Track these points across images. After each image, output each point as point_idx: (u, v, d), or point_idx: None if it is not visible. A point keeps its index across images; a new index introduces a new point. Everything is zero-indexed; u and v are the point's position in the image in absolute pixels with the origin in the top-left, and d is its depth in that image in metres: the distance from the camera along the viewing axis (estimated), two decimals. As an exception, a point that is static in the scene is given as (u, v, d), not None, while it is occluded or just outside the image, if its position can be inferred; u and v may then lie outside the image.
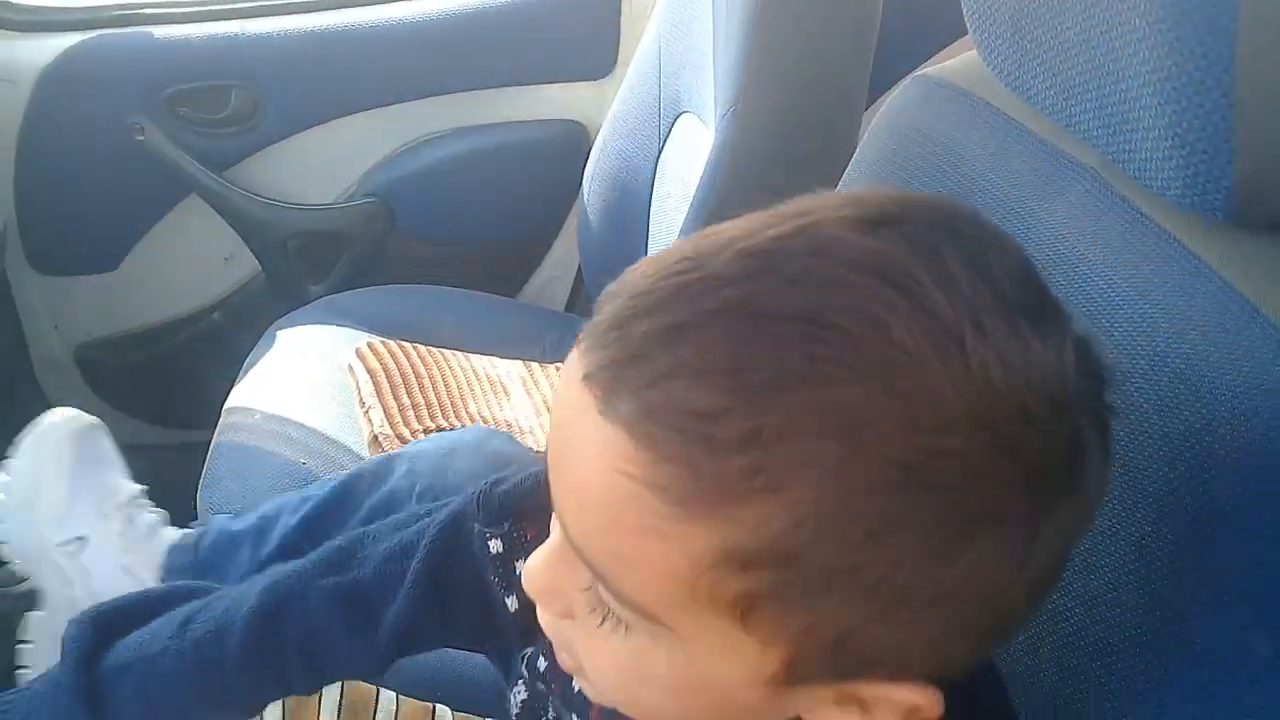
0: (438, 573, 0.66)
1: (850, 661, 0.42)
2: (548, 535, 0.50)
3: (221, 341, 1.75)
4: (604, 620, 0.45)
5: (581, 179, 1.66)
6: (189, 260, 1.77)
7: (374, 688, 0.98)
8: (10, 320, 1.71)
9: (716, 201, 1.12)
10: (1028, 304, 0.40)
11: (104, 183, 1.67)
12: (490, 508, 0.64)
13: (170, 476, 1.44)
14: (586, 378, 0.41)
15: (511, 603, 0.64)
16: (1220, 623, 0.47)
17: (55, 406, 1.77)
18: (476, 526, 0.65)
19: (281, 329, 1.58)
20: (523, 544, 0.64)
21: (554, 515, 0.46)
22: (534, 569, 0.48)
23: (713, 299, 0.39)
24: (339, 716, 0.96)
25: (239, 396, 1.44)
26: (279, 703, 0.98)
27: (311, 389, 1.44)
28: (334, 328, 1.57)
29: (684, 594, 0.41)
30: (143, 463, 1.77)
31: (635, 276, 0.42)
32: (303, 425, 1.38)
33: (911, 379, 0.38)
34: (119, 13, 1.60)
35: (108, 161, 1.65)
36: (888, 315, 0.38)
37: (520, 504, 0.64)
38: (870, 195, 0.43)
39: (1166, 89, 0.49)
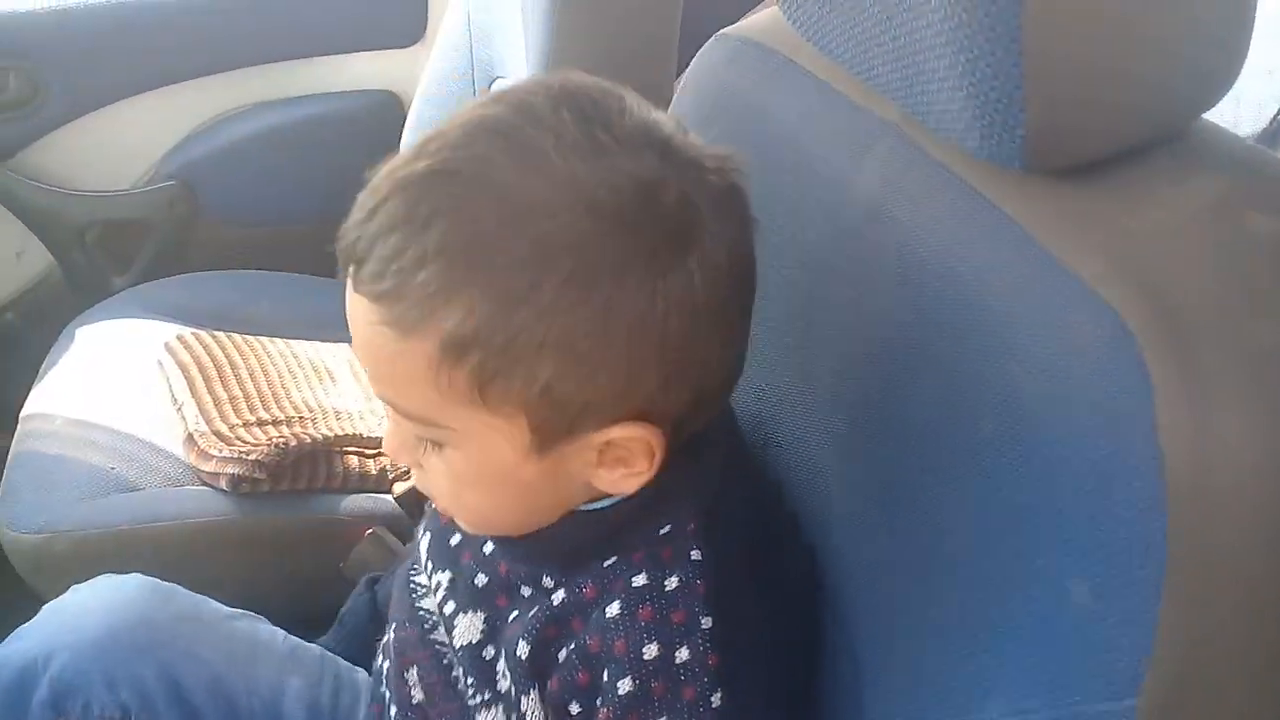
0: None
1: (569, 413, 0.56)
2: None
3: (17, 343, 1.62)
4: (425, 449, 0.61)
5: (399, 150, 1.61)
6: (-28, 258, 1.64)
7: None
8: None
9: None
10: (606, 120, 0.54)
11: None
12: None
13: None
14: (342, 265, 0.56)
15: None
16: (1042, 567, 0.47)
17: None
18: None
19: (82, 326, 1.48)
20: None
21: None
22: (384, 440, 0.64)
23: (389, 184, 0.54)
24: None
25: (37, 402, 1.35)
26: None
27: (118, 388, 1.35)
28: (139, 320, 1.48)
29: (438, 395, 0.55)
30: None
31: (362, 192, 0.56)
32: (110, 429, 1.29)
33: (516, 190, 0.53)
34: None
35: None
36: (492, 153, 0.53)
37: None
38: (511, 86, 0.59)
39: (958, 37, 0.49)
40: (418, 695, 0.74)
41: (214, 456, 1.23)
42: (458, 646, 0.70)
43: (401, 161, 0.55)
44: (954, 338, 0.53)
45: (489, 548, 0.70)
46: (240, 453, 1.22)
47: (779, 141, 0.69)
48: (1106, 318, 0.45)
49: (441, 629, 0.74)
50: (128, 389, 1.35)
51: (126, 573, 1.19)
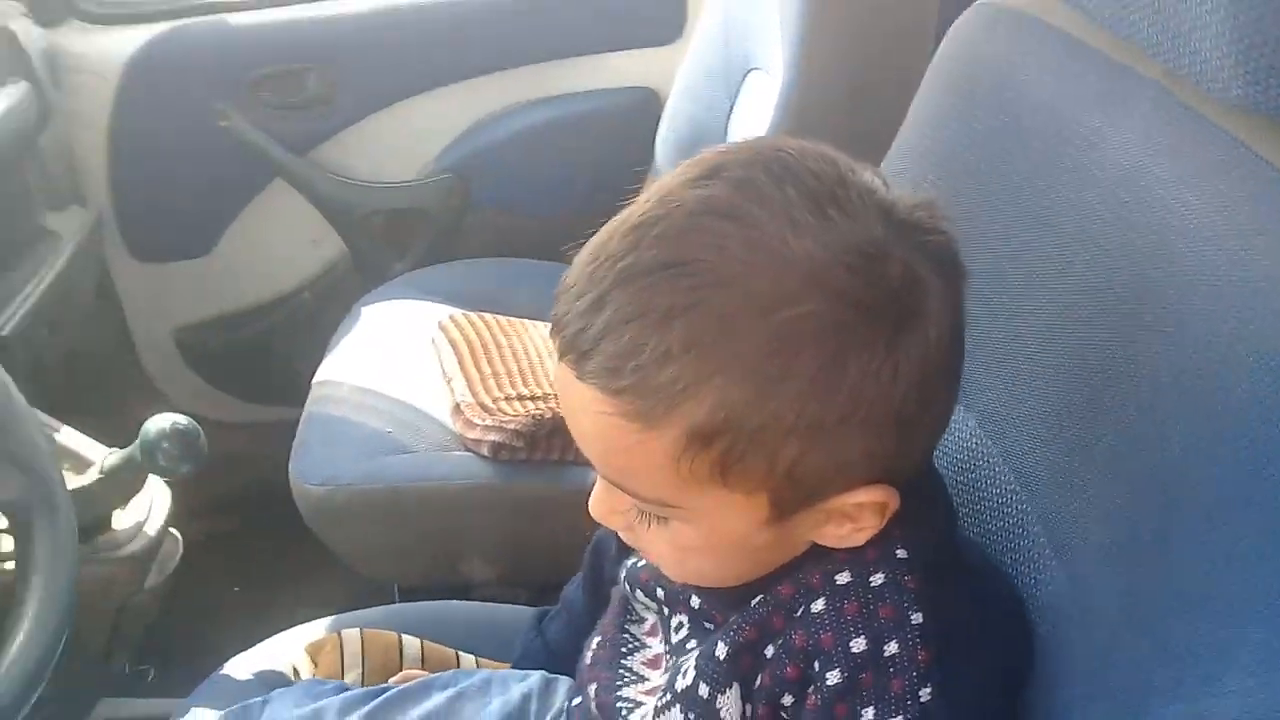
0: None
1: (811, 486, 0.56)
2: None
3: (311, 320, 1.79)
4: (646, 521, 0.60)
5: (654, 145, 1.66)
6: (278, 243, 1.81)
7: (395, 634, 1.01)
8: (113, 305, 1.77)
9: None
10: (831, 193, 0.53)
11: (193, 169, 1.73)
12: None
13: (263, 450, 1.49)
14: (561, 355, 0.56)
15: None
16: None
17: (158, 387, 1.86)
18: None
19: (366, 305, 1.62)
20: None
21: None
22: (592, 503, 0.63)
23: (614, 275, 0.53)
24: (364, 660, 0.98)
25: (327, 371, 1.48)
26: (300, 645, 1.01)
27: (396, 361, 1.47)
28: (417, 302, 1.60)
29: (677, 479, 0.55)
30: (239, 437, 1.84)
31: (568, 274, 0.56)
32: (388, 396, 1.41)
33: (756, 279, 0.52)
34: (198, 1, 1.65)
35: (195, 148, 1.70)
36: (725, 240, 0.52)
37: None
38: (703, 154, 0.57)
39: (1226, -15, 0.47)
40: None
41: (477, 425, 1.32)
42: (680, 689, 0.68)
43: (618, 248, 0.54)
44: (1212, 297, 0.51)
45: (695, 600, 0.70)
46: (501, 423, 1.30)
47: (1034, 107, 0.68)
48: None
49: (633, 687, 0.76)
50: (405, 362, 1.47)
51: (395, 526, 1.30)
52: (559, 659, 0.92)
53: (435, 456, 1.33)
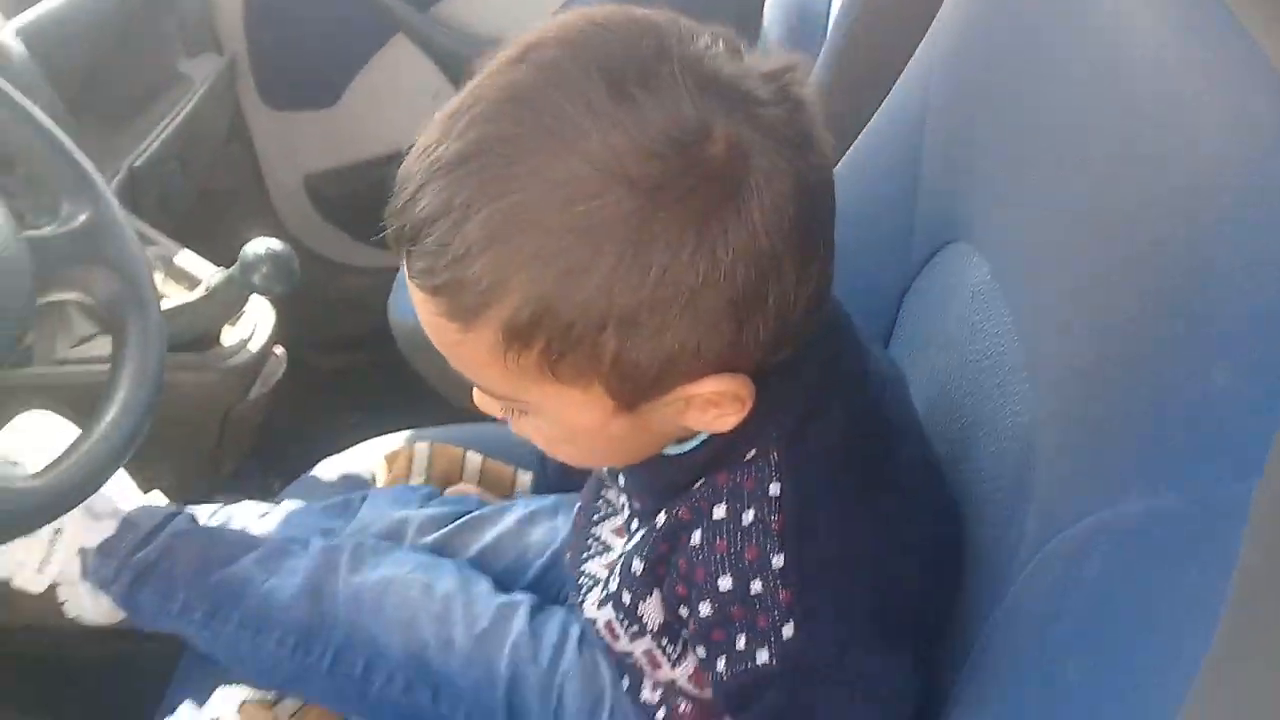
0: None
1: (644, 378, 0.54)
2: None
3: (427, 172, 1.87)
4: (510, 412, 0.61)
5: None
6: (399, 96, 1.88)
7: (461, 449, 1.09)
8: (247, 149, 1.88)
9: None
10: (640, 72, 0.50)
11: (322, 23, 1.80)
12: None
13: (378, 291, 1.59)
14: (394, 248, 0.55)
15: None
16: (1192, 356, 0.47)
17: (289, 230, 1.98)
18: None
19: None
20: None
21: None
22: (474, 392, 0.62)
23: (422, 168, 0.52)
24: (429, 469, 1.07)
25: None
26: (379, 454, 1.12)
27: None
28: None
29: (509, 376, 0.55)
30: (365, 281, 1.95)
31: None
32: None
33: (553, 171, 0.49)
34: None
35: (324, 2, 1.77)
36: (522, 130, 0.50)
37: None
38: (524, 34, 0.54)
39: None
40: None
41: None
42: (611, 590, 0.71)
43: (433, 138, 0.52)
44: (1156, 128, 0.52)
45: (622, 479, 0.73)
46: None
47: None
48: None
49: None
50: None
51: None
52: (570, 470, 0.98)
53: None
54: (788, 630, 0.60)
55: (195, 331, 1.15)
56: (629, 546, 0.70)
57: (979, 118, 0.75)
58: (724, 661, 0.63)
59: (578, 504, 0.85)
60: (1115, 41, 0.59)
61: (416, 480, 1.09)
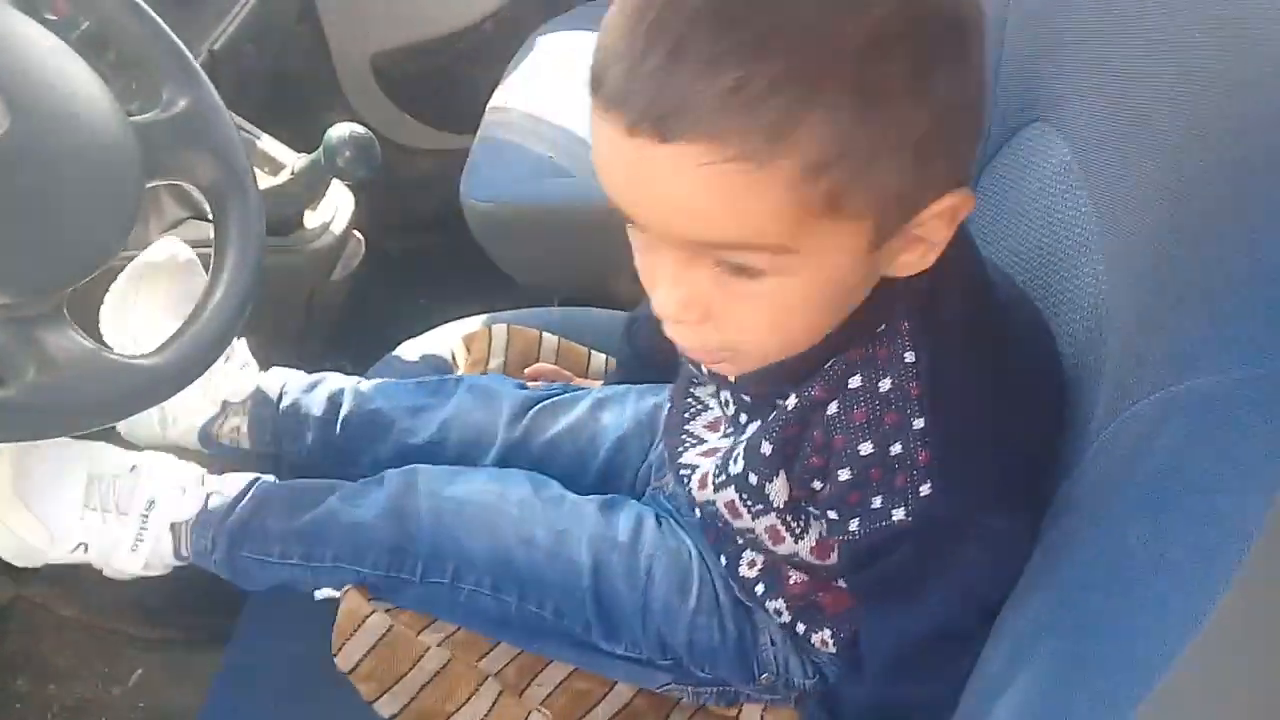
0: None
1: (910, 201, 0.55)
2: None
3: (494, 50, 1.87)
4: (733, 294, 0.57)
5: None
6: (465, -28, 1.88)
7: (538, 331, 1.14)
8: (315, 29, 1.90)
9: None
10: None
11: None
12: None
13: (448, 173, 1.62)
14: (634, 126, 0.51)
15: None
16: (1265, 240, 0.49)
17: (356, 111, 2.00)
18: None
19: (542, 35, 1.68)
20: None
21: (651, 252, 0.58)
22: (665, 298, 0.58)
23: (678, 16, 0.49)
24: (507, 351, 1.11)
25: (499, 98, 1.58)
26: (458, 336, 1.16)
27: (564, 91, 1.55)
28: (590, 33, 1.63)
29: (791, 216, 0.53)
30: (429, 164, 1.97)
31: (610, 42, 0.52)
32: (553, 124, 1.50)
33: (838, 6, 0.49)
34: None
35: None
36: None
37: None
38: None
39: None
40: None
41: (634, 152, 1.39)
42: (733, 474, 0.74)
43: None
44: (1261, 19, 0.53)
45: (733, 377, 0.73)
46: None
47: None
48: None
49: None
50: (571, 91, 1.53)
51: (552, 241, 1.41)
52: (651, 361, 1.02)
53: (591, 181, 1.41)
54: (925, 489, 0.63)
55: (281, 215, 1.18)
56: (750, 431, 0.73)
57: (1067, 1, 0.75)
58: (857, 522, 0.66)
59: (666, 402, 0.88)
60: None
61: (495, 361, 1.13)
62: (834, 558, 0.73)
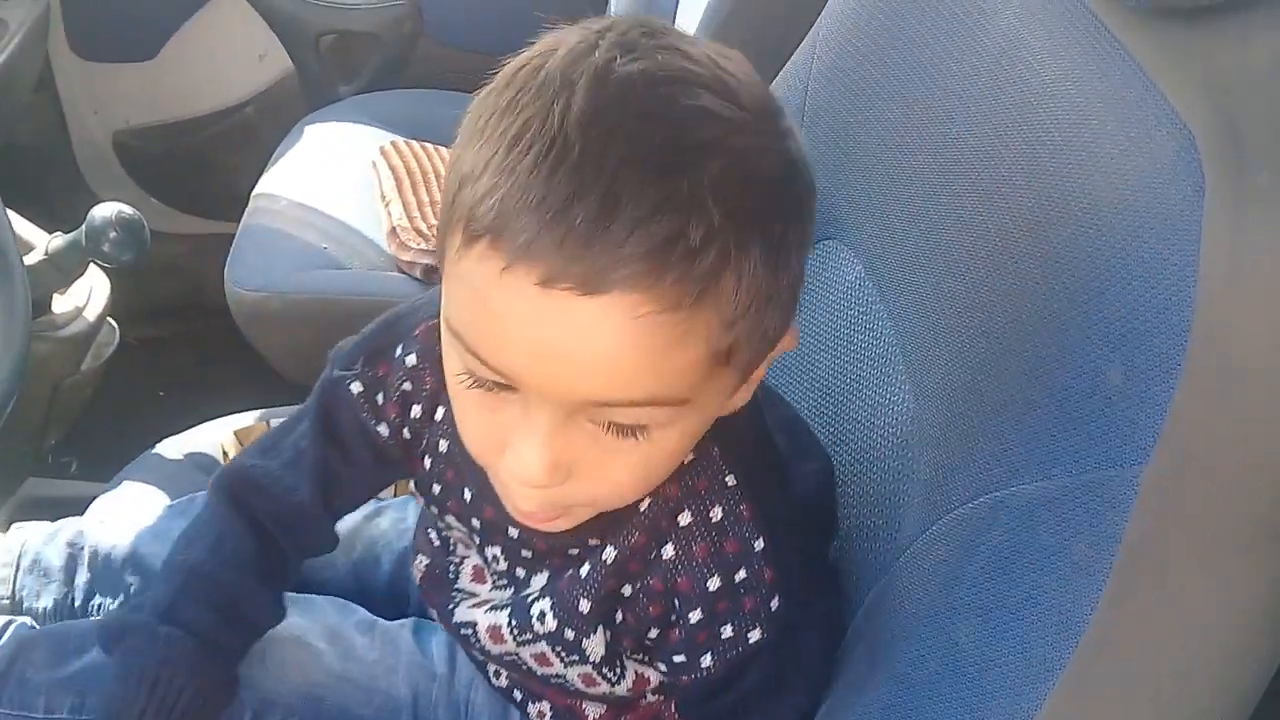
0: (328, 424, 0.75)
1: (771, 346, 0.56)
2: (394, 371, 0.70)
3: (254, 135, 1.81)
4: (623, 438, 0.54)
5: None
6: (224, 55, 1.82)
7: None
8: (53, 104, 1.77)
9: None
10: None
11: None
12: (341, 358, 0.74)
13: (199, 262, 1.54)
14: (547, 283, 0.48)
15: (383, 429, 0.73)
16: (1086, 354, 0.54)
17: (94, 190, 1.87)
18: (335, 374, 0.74)
19: (310, 124, 1.64)
20: (376, 380, 0.73)
21: (517, 415, 0.54)
22: (531, 465, 0.54)
23: (601, 165, 0.48)
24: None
25: (267, 184, 1.52)
26: (229, 431, 1.08)
27: (336, 181, 1.51)
28: (361, 126, 1.63)
29: (702, 368, 0.52)
30: (176, 249, 1.87)
31: (502, 174, 0.49)
32: (326, 214, 1.46)
33: (735, 134, 0.50)
34: None
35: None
36: (698, 102, 0.50)
37: (368, 349, 0.73)
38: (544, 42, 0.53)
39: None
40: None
41: (412, 248, 1.38)
42: (542, 632, 0.71)
43: (591, 137, 0.48)
44: (1053, 152, 0.59)
45: (514, 531, 0.70)
46: (432, 247, 1.36)
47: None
48: (1183, 136, 0.50)
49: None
50: (344, 183, 1.51)
51: (325, 335, 1.36)
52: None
53: (368, 275, 1.38)
54: (774, 603, 0.63)
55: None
56: (539, 585, 0.71)
57: (860, 119, 0.80)
58: (710, 656, 0.65)
59: (421, 557, 0.81)
60: (1011, 64, 0.65)
61: (276, 458, 1.06)
62: (650, 688, 0.72)
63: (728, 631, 0.64)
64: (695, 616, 0.64)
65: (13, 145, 1.65)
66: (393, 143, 1.56)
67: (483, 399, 0.55)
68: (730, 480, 0.63)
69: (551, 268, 0.48)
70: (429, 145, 1.57)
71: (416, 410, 0.72)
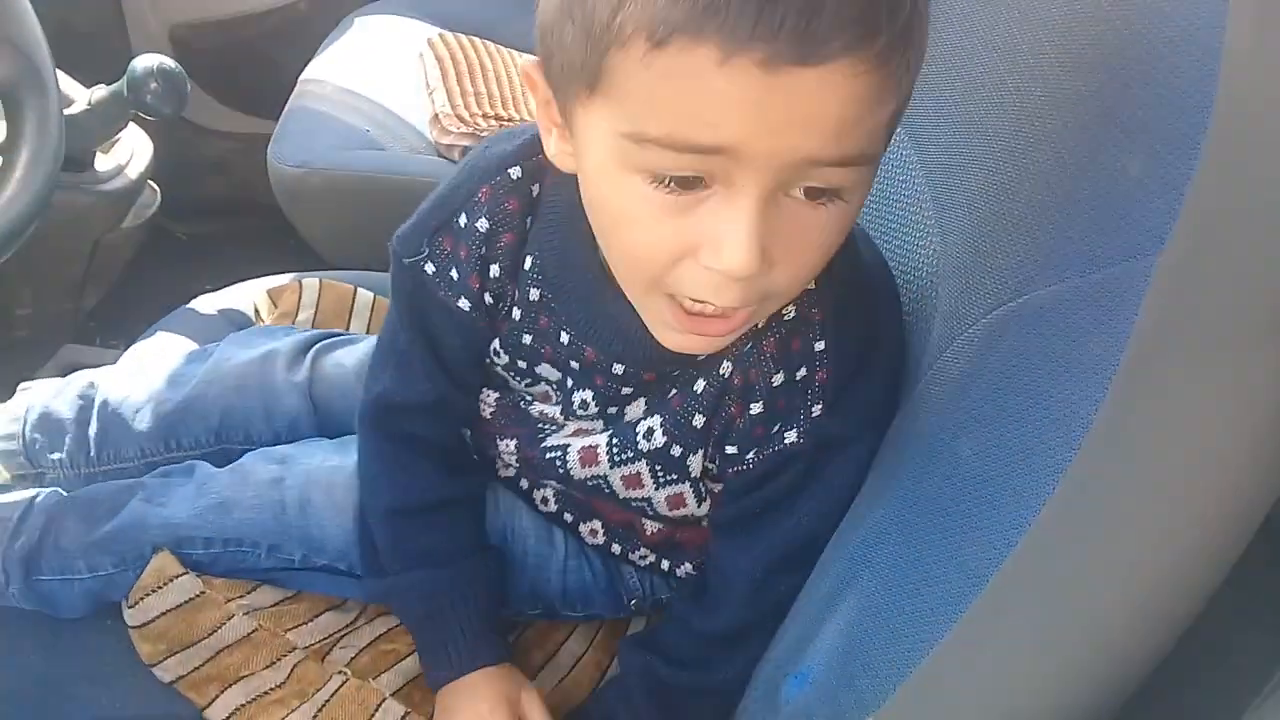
0: (415, 314, 0.78)
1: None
2: (461, 241, 0.71)
3: (306, 31, 1.80)
4: (818, 206, 0.56)
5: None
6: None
7: (351, 286, 1.10)
8: (111, -8, 1.78)
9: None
10: None
11: None
12: (404, 243, 0.76)
13: (248, 158, 1.54)
14: (771, 63, 0.49)
15: (464, 303, 0.75)
16: (1109, 151, 0.52)
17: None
18: (406, 261, 0.76)
19: (360, 15, 1.64)
20: (445, 255, 0.74)
21: (720, 207, 0.54)
22: (741, 251, 0.54)
23: None
24: (318, 304, 1.07)
25: (314, 70, 1.52)
26: (263, 289, 1.10)
27: (382, 69, 1.52)
28: (410, 19, 1.63)
29: (887, 128, 0.55)
30: (226, 146, 1.88)
31: None
32: (370, 99, 1.46)
33: None
34: None
35: None
36: None
37: (430, 228, 0.75)
38: None
39: None
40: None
41: (451, 132, 1.38)
42: (646, 450, 0.74)
43: None
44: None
45: (618, 368, 0.72)
46: (475, 131, 1.36)
47: None
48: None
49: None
50: (390, 71, 1.51)
51: (364, 213, 1.37)
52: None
53: (407, 156, 1.39)
54: (816, 410, 0.66)
55: (72, 149, 1.10)
56: (636, 412, 0.74)
57: None
58: (754, 451, 0.69)
59: (491, 394, 0.82)
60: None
61: (305, 314, 1.08)
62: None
63: (775, 428, 0.68)
64: (756, 409, 0.68)
65: (68, 30, 1.66)
66: (440, 35, 1.56)
67: (669, 204, 0.55)
68: (811, 285, 0.64)
69: (774, 49, 0.49)
70: (476, 39, 1.57)
71: (495, 270, 0.73)
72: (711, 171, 0.53)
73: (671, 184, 0.54)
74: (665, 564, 0.83)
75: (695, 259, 0.56)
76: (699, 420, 0.71)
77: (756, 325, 0.65)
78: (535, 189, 0.71)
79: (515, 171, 0.71)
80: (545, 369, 0.76)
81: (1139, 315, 0.49)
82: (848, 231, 0.59)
